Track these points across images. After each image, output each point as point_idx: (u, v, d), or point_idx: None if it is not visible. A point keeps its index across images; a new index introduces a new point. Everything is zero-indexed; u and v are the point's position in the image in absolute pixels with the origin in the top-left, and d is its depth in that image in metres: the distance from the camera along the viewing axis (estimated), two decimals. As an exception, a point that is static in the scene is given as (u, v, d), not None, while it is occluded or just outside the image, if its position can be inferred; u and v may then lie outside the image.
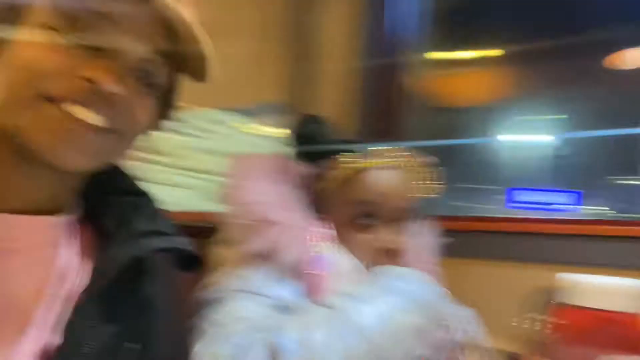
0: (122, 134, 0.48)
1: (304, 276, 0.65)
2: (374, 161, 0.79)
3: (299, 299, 0.66)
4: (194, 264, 0.56)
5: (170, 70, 0.51)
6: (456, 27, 1.73)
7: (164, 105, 0.54)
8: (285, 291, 0.65)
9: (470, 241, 1.53)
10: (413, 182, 0.81)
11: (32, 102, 0.43)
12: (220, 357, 0.57)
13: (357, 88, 1.64)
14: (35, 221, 0.48)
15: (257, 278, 0.64)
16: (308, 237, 0.67)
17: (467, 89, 1.86)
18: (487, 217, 1.53)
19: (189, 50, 0.49)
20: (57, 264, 0.49)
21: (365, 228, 0.76)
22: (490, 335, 0.80)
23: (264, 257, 0.64)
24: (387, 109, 1.69)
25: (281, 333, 0.60)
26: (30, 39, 0.44)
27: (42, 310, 0.47)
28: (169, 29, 0.47)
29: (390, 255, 0.74)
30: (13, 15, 0.45)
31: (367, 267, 0.72)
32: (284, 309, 0.65)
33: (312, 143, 0.79)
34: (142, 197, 0.56)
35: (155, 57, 0.49)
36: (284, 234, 0.65)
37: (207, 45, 0.48)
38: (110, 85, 0.45)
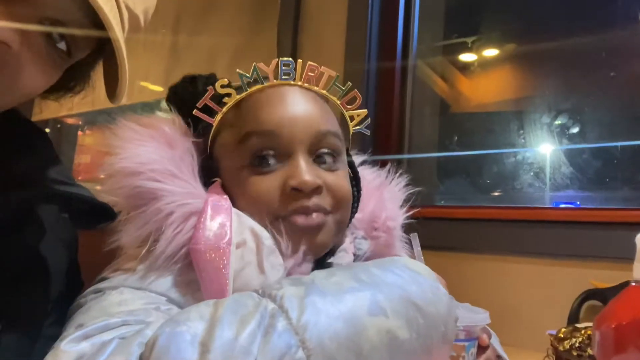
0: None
1: (202, 266, 0.49)
2: (266, 83, 0.58)
3: (195, 298, 0.50)
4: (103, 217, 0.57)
5: None
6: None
7: None
8: (176, 289, 0.50)
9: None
10: (329, 105, 0.61)
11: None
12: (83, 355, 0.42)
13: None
14: None
15: (140, 270, 0.50)
16: (200, 213, 0.51)
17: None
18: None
19: None
20: None
21: (263, 169, 0.55)
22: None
23: (149, 246, 0.50)
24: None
25: (167, 325, 0.41)
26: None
27: None
28: None
29: (307, 197, 0.54)
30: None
31: (276, 233, 0.53)
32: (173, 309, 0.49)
33: (189, 105, 0.59)
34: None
35: None
36: (168, 212, 0.50)
37: None
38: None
